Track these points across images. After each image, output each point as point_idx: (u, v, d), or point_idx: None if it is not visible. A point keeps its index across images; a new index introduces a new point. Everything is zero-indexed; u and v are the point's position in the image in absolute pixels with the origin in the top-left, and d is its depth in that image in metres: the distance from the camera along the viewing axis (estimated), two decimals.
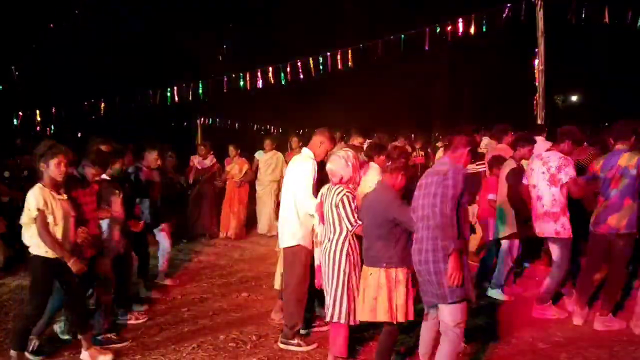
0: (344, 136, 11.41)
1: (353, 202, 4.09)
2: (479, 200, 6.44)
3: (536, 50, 10.49)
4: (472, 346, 4.47)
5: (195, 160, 9.52)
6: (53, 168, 4.04)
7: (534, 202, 5.25)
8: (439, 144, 11.64)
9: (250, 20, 19.33)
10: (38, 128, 12.81)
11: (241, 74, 11.35)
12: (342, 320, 4.05)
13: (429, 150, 11.18)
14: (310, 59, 10.68)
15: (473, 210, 7.02)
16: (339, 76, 12.77)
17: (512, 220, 5.65)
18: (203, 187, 9.32)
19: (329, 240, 4.14)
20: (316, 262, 4.39)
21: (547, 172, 5.12)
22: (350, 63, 10.64)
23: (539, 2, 10.19)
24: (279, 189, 8.92)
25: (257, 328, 5.01)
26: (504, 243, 5.75)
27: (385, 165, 4.10)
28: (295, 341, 4.57)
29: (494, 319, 5.16)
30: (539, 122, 10.24)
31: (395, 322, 3.81)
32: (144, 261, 6.07)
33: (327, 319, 4.19)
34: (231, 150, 9.50)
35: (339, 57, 10.57)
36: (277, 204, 8.49)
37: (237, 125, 17.78)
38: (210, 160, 9.52)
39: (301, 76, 11.02)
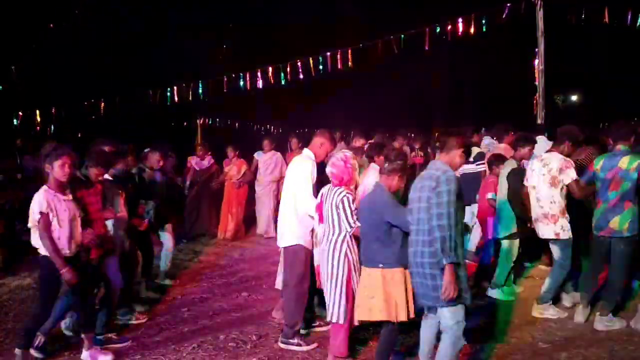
0: (344, 136, 11.43)
1: (353, 203, 4.12)
2: (479, 199, 6.44)
3: (536, 50, 10.49)
4: (473, 346, 4.46)
5: (193, 162, 9.40)
6: (57, 169, 4.06)
7: (533, 203, 5.25)
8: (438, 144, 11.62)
9: (250, 20, 19.33)
10: (38, 128, 12.81)
11: (241, 74, 11.35)
12: (341, 321, 4.07)
13: (429, 150, 11.17)
14: (310, 59, 10.68)
15: (473, 209, 7.03)
16: (339, 76, 12.77)
17: (512, 221, 5.65)
18: (201, 189, 9.24)
19: (328, 240, 4.17)
20: (315, 262, 4.41)
21: (547, 173, 5.11)
22: (350, 63, 10.64)
23: (539, 2, 10.19)
24: (278, 190, 8.89)
25: (257, 328, 5.01)
26: (505, 243, 5.75)
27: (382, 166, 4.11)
28: (296, 341, 4.57)
29: (494, 319, 5.16)
30: (539, 122, 10.25)
31: (395, 322, 3.82)
32: (148, 261, 6.07)
33: (328, 318, 4.21)
34: (229, 151, 9.36)
35: (339, 57, 10.57)
36: (277, 205, 8.49)
37: (237, 125, 17.78)
38: (208, 161, 9.42)
39: (301, 76, 11.02)
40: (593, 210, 5.00)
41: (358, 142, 6.40)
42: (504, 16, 10.05)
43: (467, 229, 6.80)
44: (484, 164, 7.08)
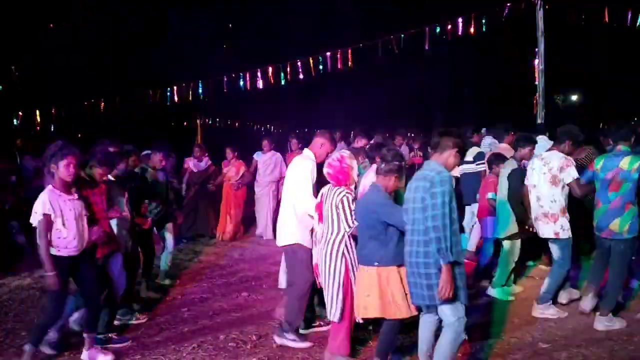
0: (344, 137, 11.42)
1: (352, 203, 4.14)
2: (479, 199, 6.44)
3: (536, 50, 10.49)
4: (473, 346, 4.47)
5: (191, 163, 9.29)
6: (62, 169, 4.08)
7: (534, 202, 5.25)
8: None
9: (250, 19, 19.34)
10: (38, 128, 12.82)
11: (241, 74, 11.35)
12: (336, 319, 4.11)
13: (428, 150, 11.16)
14: (310, 58, 10.68)
15: (473, 209, 7.03)
16: (339, 76, 12.78)
17: (513, 221, 5.65)
18: (199, 190, 9.19)
19: (326, 240, 4.19)
20: (314, 261, 4.43)
21: (548, 172, 5.11)
22: (350, 63, 10.64)
23: (539, 2, 10.19)
24: (277, 190, 8.85)
25: (257, 328, 5.01)
26: (506, 244, 5.74)
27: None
28: (292, 337, 4.59)
29: (493, 319, 5.16)
30: (538, 121, 10.26)
31: (394, 319, 3.85)
32: (149, 261, 6.07)
33: (329, 318, 4.24)
34: (228, 152, 9.27)
35: (339, 57, 10.57)
36: (276, 205, 8.47)
37: (237, 124, 17.80)
38: (205, 163, 9.33)
39: (301, 76, 11.03)
40: (593, 210, 5.00)
41: (360, 142, 6.39)
42: (504, 16, 10.06)
43: (462, 230, 6.80)
44: (484, 163, 7.08)
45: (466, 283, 3.68)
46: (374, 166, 5.25)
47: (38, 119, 12.55)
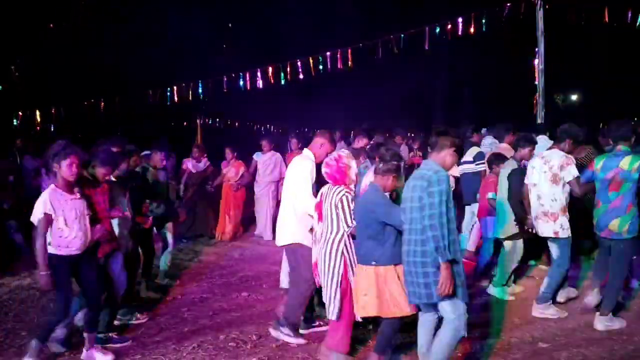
0: (344, 136, 11.40)
1: (352, 202, 4.16)
2: (479, 198, 6.44)
3: (536, 50, 10.49)
4: (472, 345, 4.47)
5: (189, 164, 9.23)
6: (65, 169, 4.10)
7: (534, 200, 5.25)
8: None
9: (250, 19, 19.34)
10: (38, 128, 12.82)
11: (241, 74, 11.35)
12: (334, 318, 4.13)
13: (428, 150, 11.14)
14: (310, 58, 10.69)
15: (473, 209, 7.03)
16: (339, 76, 12.77)
17: (512, 221, 5.65)
18: (197, 190, 9.17)
19: (326, 239, 4.22)
20: (313, 259, 4.44)
21: (549, 170, 5.12)
22: (350, 63, 10.65)
23: (539, 2, 10.19)
24: (277, 191, 8.84)
25: (257, 328, 5.01)
26: (507, 244, 5.74)
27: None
28: (287, 331, 4.63)
29: (494, 318, 5.16)
30: (538, 121, 10.25)
31: (394, 317, 3.88)
32: (149, 261, 6.07)
33: (328, 316, 4.27)
34: (228, 152, 9.24)
35: (339, 57, 10.58)
36: (276, 206, 8.46)
37: (237, 124, 17.78)
38: (204, 164, 9.29)
39: (301, 76, 11.03)
40: (593, 209, 4.99)
41: (360, 142, 6.38)
42: (504, 16, 10.06)
43: (459, 230, 6.83)
44: (483, 163, 7.08)
45: (465, 281, 3.69)
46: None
47: (38, 119, 12.56)
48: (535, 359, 4.29)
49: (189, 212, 8.98)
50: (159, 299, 5.96)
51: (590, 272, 6.41)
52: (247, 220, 9.75)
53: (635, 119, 11.44)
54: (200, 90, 12.04)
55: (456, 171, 7.51)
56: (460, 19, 10.22)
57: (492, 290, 5.79)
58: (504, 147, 6.74)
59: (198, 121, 15.24)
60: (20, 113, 12.73)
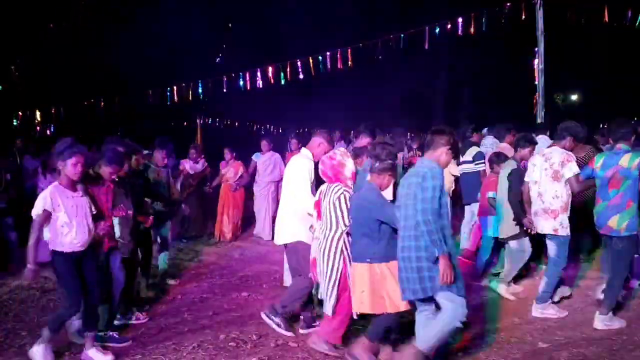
0: (344, 136, 11.39)
1: (350, 201, 4.21)
2: (480, 198, 6.44)
3: (536, 50, 10.49)
4: (472, 345, 4.47)
5: (187, 165, 9.20)
6: (70, 167, 4.13)
7: (534, 198, 5.25)
8: None
9: (250, 19, 19.33)
10: (38, 128, 12.82)
11: (241, 74, 11.35)
12: (330, 313, 4.20)
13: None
14: (310, 58, 10.69)
15: (473, 209, 7.03)
16: (339, 76, 12.77)
17: (512, 221, 5.65)
18: (194, 191, 9.14)
19: (325, 237, 4.26)
20: (312, 255, 4.47)
21: (549, 168, 5.12)
22: (350, 63, 10.65)
23: (539, 2, 10.18)
24: (277, 191, 8.85)
25: (257, 327, 5.01)
26: (513, 244, 5.73)
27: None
28: (277, 320, 4.71)
29: (494, 318, 5.16)
30: (538, 121, 10.25)
31: (390, 313, 3.93)
32: (147, 260, 6.07)
33: (324, 310, 4.33)
34: (226, 153, 9.23)
35: (339, 56, 10.58)
36: (276, 206, 8.46)
37: (237, 124, 17.77)
38: (202, 164, 9.28)
39: (301, 76, 11.03)
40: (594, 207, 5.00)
41: (363, 140, 6.37)
42: (504, 16, 10.05)
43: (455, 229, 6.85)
44: (483, 163, 7.09)
45: (461, 276, 3.74)
46: None
47: (38, 119, 12.56)
48: (535, 359, 4.29)
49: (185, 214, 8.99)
50: (159, 299, 5.96)
51: (589, 272, 6.44)
52: (247, 221, 9.74)
53: (635, 118, 11.43)
54: (200, 90, 12.04)
55: (456, 171, 7.52)
56: (460, 19, 10.22)
57: (497, 286, 5.78)
58: (504, 147, 6.75)
59: (198, 121, 15.24)
60: (20, 113, 12.74)
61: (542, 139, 6.71)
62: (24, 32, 15.35)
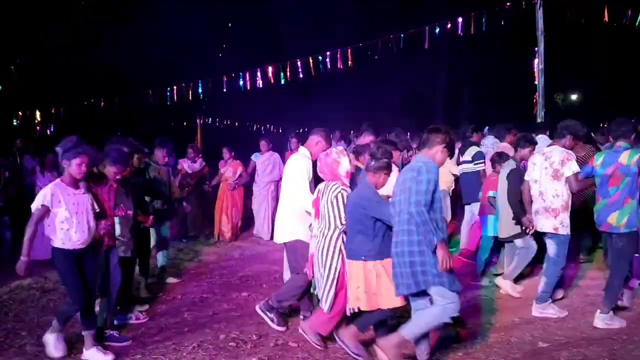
0: (344, 136, 11.39)
1: (347, 200, 4.22)
2: (480, 197, 6.44)
3: (536, 49, 10.49)
4: (472, 345, 4.47)
5: (185, 165, 9.20)
6: (74, 167, 4.17)
7: (535, 196, 5.24)
8: None
9: (250, 19, 19.32)
10: (38, 128, 12.82)
11: (241, 74, 11.35)
12: (326, 310, 4.21)
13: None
14: (310, 58, 10.69)
15: (473, 209, 7.03)
16: (339, 76, 12.77)
17: (511, 220, 5.64)
18: (192, 191, 9.12)
19: (323, 235, 4.27)
20: (310, 252, 4.49)
21: (550, 167, 5.12)
22: (350, 63, 10.65)
23: (539, 2, 10.18)
24: (276, 191, 8.85)
25: (257, 327, 5.01)
26: (519, 242, 5.73)
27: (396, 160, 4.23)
28: (271, 315, 4.75)
29: (493, 318, 5.16)
30: (538, 121, 10.26)
31: (384, 309, 3.97)
32: (146, 260, 6.06)
33: (321, 306, 4.33)
34: (225, 152, 9.23)
35: (339, 56, 10.58)
36: (275, 206, 8.46)
37: (237, 124, 17.77)
38: (200, 164, 9.28)
39: (301, 76, 11.03)
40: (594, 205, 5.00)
41: (366, 138, 6.36)
42: (503, 16, 10.06)
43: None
44: (482, 163, 7.09)
45: (454, 272, 3.76)
46: None
47: (38, 119, 12.56)
48: (535, 358, 4.29)
49: (185, 213, 8.97)
50: (159, 299, 5.96)
51: (589, 272, 6.44)
52: (247, 220, 9.74)
53: (636, 118, 11.44)
54: (200, 90, 12.04)
55: (456, 170, 7.52)
56: (460, 19, 10.22)
57: (501, 282, 5.79)
58: (504, 147, 6.75)
59: (198, 121, 15.25)
60: (20, 113, 12.73)
61: (542, 139, 6.71)
62: (24, 32, 15.34)
